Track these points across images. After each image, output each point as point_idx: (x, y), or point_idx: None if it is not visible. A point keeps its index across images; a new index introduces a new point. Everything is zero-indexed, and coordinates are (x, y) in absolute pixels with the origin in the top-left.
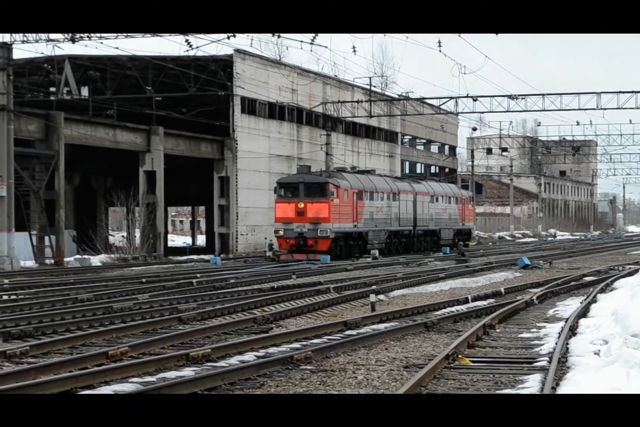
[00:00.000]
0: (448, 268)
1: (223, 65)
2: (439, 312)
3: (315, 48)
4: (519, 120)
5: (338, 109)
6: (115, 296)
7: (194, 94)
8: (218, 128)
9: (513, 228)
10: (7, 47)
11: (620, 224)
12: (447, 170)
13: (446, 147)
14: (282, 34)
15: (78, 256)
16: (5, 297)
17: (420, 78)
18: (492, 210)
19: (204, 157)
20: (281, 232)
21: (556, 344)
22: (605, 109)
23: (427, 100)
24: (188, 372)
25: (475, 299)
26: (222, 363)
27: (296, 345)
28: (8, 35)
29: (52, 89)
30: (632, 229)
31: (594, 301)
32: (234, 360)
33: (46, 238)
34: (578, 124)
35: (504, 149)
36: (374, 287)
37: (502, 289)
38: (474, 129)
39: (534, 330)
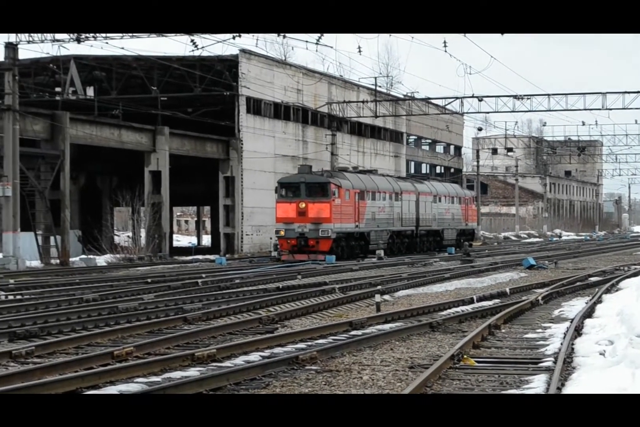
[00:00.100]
0: (453, 268)
1: (228, 66)
2: (444, 313)
3: (321, 48)
4: (525, 120)
5: (343, 109)
6: (120, 296)
7: (200, 94)
8: (223, 128)
9: (518, 228)
10: (13, 47)
11: (626, 224)
12: (452, 170)
13: (451, 147)
14: (287, 34)
15: (83, 256)
16: (10, 297)
17: (426, 78)
18: (498, 211)
19: (209, 157)
20: (282, 233)
21: (561, 344)
22: (610, 109)
23: (433, 101)
24: (193, 372)
25: (480, 300)
26: (227, 363)
27: (301, 345)
28: (14, 35)
29: (58, 89)
30: (638, 229)
31: (599, 301)
32: (239, 360)
33: (51, 238)
34: (584, 124)
35: (510, 149)
36: (379, 287)
37: (508, 290)
38: (480, 129)
39: (540, 330)
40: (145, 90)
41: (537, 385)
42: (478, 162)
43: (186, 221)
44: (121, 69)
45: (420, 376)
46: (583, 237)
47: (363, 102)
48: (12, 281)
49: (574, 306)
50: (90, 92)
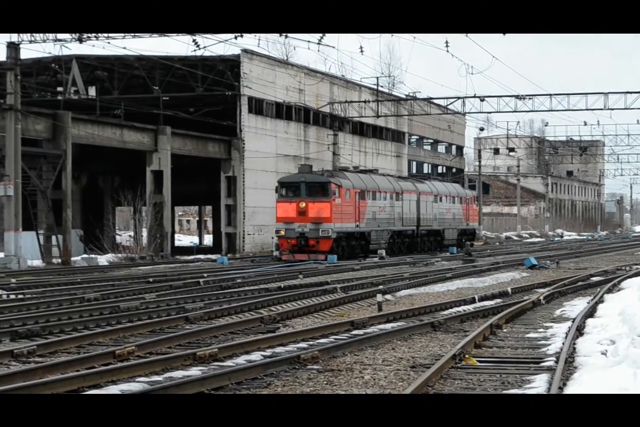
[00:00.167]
0: (455, 268)
1: (230, 65)
2: (445, 312)
3: (323, 48)
4: (526, 120)
5: (345, 109)
6: (122, 295)
7: (201, 94)
8: (225, 128)
9: (520, 228)
10: (15, 46)
11: (628, 224)
12: (454, 170)
13: (453, 147)
14: (289, 34)
15: (85, 256)
16: (12, 296)
17: (428, 78)
18: (499, 211)
19: (211, 156)
20: (282, 232)
21: (563, 344)
22: (612, 109)
23: (435, 101)
24: (195, 371)
25: (482, 299)
26: (229, 363)
27: (303, 345)
28: (15, 35)
29: (60, 89)
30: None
31: (601, 301)
32: (241, 359)
33: (53, 237)
34: (585, 124)
35: (511, 149)
36: (380, 287)
37: (509, 289)
38: (481, 129)
39: (541, 330)
40: (147, 90)
41: (538, 385)
42: (480, 162)
43: (188, 221)
44: (123, 68)
45: (422, 376)
46: (585, 237)
47: (365, 102)
48: (13, 280)
49: (576, 306)
50: (92, 91)
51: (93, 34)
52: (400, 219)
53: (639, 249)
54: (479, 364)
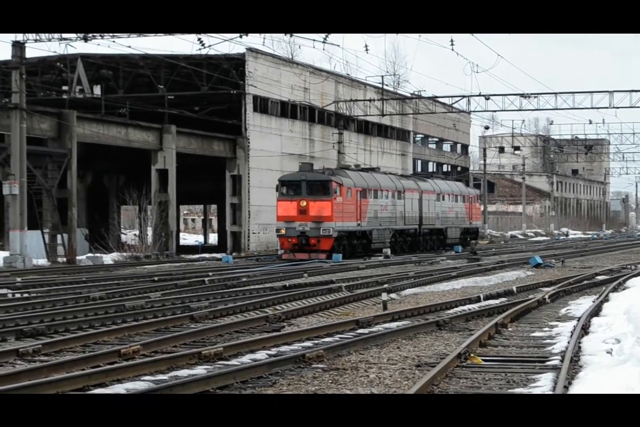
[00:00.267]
0: (460, 267)
1: (235, 64)
2: (451, 311)
3: (328, 47)
4: (532, 118)
5: (350, 107)
6: (127, 294)
7: (206, 93)
8: (230, 127)
9: (525, 227)
10: (20, 45)
11: (633, 222)
12: (459, 168)
13: (458, 145)
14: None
15: (90, 254)
16: (18, 295)
17: (433, 77)
18: (504, 209)
19: (216, 155)
20: (283, 231)
21: (568, 343)
22: (618, 107)
23: (440, 99)
24: (200, 370)
25: (487, 298)
26: (234, 361)
27: (308, 343)
28: (21, 33)
29: (65, 88)
30: None
31: (606, 299)
32: (246, 358)
33: (58, 236)
34: (591, 122)
35: (516, 148)
36: (385, 285)
37: (515, 288)
38: (486, 128)
39: (546, 329)
40: (152, 89)
41: (544, 383)
42: (485, 160)
43: (193, 220)
44: (128, 67)
45: (427, 375)
46: (590, 236)
47: (370, 100)
48: (19, 279)
49: (581, 305)
50: (97, 90)
51: (98, 33)
52: (402, 218)
53: None
54: (484, 363)
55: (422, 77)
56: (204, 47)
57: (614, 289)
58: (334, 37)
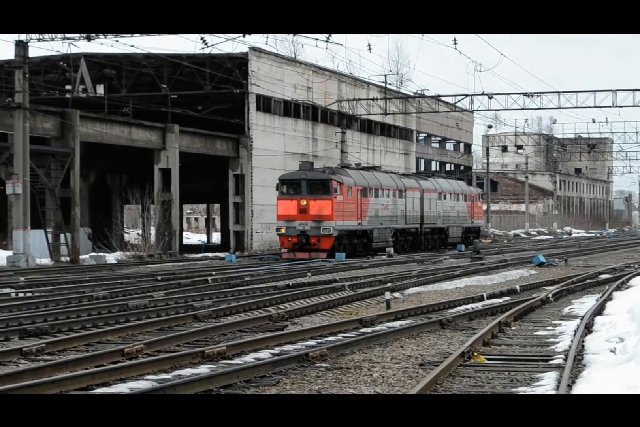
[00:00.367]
0: (463, 266)
1: (238, 63)
2: (454, 310)
3: (331, 46)
4: (535, 117)
5: (353, 106)
6: (130, 293)
7: (210, 92)
8: (233, 126)
9: (528, 226)
10: (23, 45)
11: (636, 221)
12: (462, 168)
13: (461, 144)
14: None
15: (93, 254)
16: (21, 294)
17: (436, 76)
18: (508, 208)
19: (219, 154)
20: (283, 230)
21: (572, 341)
22: (621, 106)
23: (443, 98)
24: (203, 369)
25: (490, 297)
26: (237, 361)
27: (311, 343)
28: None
29: (68, 87)
30: None
31: (609, 298)
32: (249, 357)
33: (62, 236)
34: (594, 121)
35: (519, 147)
36: (389, 284)
37: (518, 287)
38: (490, 127)
39: (550, 328)
40: (155, 88)
41: (547, 382)
42: (488, 159)
43: (196, 219)
44: (131, 66)
45: (430, 374)
46: (593, 235)
47: (373, 99)
48: (22, 278)
49: (584, 304)
50: (100, 90)
51: (101, 33)
52: (403, 217)
53: None
54: (487, 361)
55: (425, 76)
56: (207, 47)
57: (618, 288)
58: (337, 37)
